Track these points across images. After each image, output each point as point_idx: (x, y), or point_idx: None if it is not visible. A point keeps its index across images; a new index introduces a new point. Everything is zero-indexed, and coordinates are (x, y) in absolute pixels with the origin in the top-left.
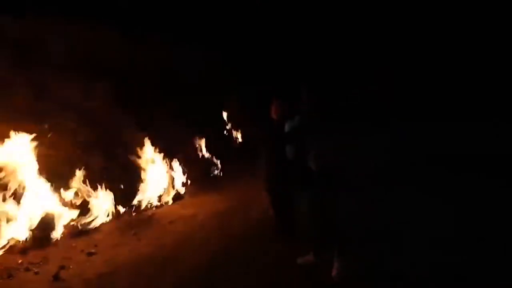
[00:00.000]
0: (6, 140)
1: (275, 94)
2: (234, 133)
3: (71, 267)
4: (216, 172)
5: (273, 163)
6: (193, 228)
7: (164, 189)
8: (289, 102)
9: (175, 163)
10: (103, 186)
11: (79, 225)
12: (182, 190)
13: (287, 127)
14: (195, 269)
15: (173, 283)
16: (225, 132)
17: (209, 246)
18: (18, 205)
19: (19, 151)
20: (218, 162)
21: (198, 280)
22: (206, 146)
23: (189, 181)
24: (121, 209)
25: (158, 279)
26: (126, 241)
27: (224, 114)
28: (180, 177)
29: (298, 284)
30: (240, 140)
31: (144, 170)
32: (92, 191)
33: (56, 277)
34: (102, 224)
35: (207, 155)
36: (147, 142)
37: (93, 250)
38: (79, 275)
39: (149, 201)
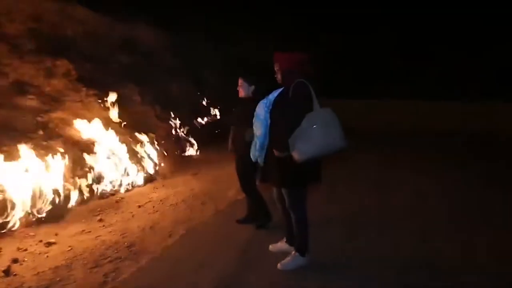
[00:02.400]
0: None
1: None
2: (212, 109)
3: (25, 259)
4: (191, 151)
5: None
6: (163, 213)
7: (134, 170)
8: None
9: (147, 142)
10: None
11: (36, 212)
12: (154, 171)
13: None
14: (159, 258)
15: (133, 273)
16: (202, 108)
17: (176, 232)
18: None
19: None
20: (194, 140)
21: (160, 270)
22: (181, 123)
23: (161, 161)
24: (87, 193)
25: (118, 270)
26: (90, 228)
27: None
28: (152, 157)
29: (268, 271)
30: (218, 117)
31: (112, 150)
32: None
33: (6, 272)
34: (65, 210)
35: (181, 133)
36: (115, 122)
37: (52, 240)
38: (33, 269)
39: (117, 183)
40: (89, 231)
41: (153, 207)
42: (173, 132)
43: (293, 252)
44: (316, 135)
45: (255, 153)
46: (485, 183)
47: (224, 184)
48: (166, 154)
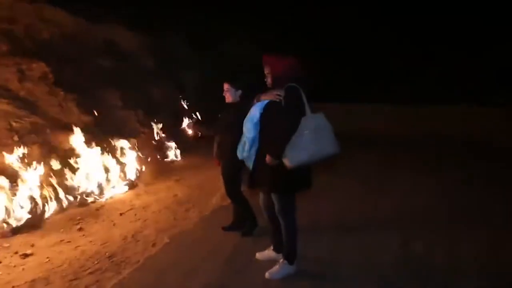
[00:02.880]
0: None
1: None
2: (194, 114)
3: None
4: (173, 156)
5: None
6: (145, 221)
7: (115, 176)
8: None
9: (128, 148)
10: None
11: (11, 221)
12: (135, 177)
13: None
14: (142, 269)
15: (115, 285)
16: (183, 112)
17: (160, 241)
18: None
19: None
20: (175, 145)
21: (144, 282)
22: (161, 128)
23: (143, 167)
24: (66, 201)
25: (99, 283)
26: (69, 238)
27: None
28: (133, 163)
29: (255, 281)
30: (200, 121)
31: (92, 156)
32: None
33: None
34: (42, 218)
35: (163, 137)
36: (95, 127)
37: (29, 251)
38: (8, 283)
39: (98, 190)
40: (68, 241)
41: (135, 214)
42: (155, 137)
43: (281, 260)
44: (307, 141)
45: (242, 153)
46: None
47: (208, 190)
48: (148, 159)
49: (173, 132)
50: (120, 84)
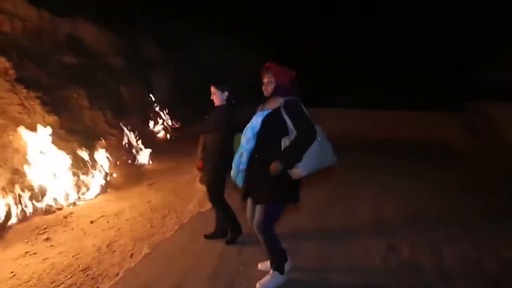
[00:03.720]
0: None
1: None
2: (164, 116)
3: None
4: (144, 159)
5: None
6: (120, 229)
7: (83, 181)
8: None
9: (96, 150)
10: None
11: None
12: (105, 182)
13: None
14: (121, 283)
15: None
16: (153, 115)
17: (138, 251)
18: None
19: None
20: (146, 148)
21: None
22: (131, 130)
23: (113, 171)
24: (30, 208)
25: None
26: (35, 249)
27: (153, 96)
28: (102, 167)
29: None
30: (171, 124)
31: (58, 160)
32: None
33: None
34: (4, 228)
35: (133, 140)
36: (61, 128)
37: None
38: None
39: (64, 196)
40: (35, 253)
41: (108, 222)
42: (125, 139)
43: (271, 271)
44: (314, 150)
45: (239, 165)
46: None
47: (183, 195)
48: (118, 163)
49: (143, 134)
50: (86, 83)
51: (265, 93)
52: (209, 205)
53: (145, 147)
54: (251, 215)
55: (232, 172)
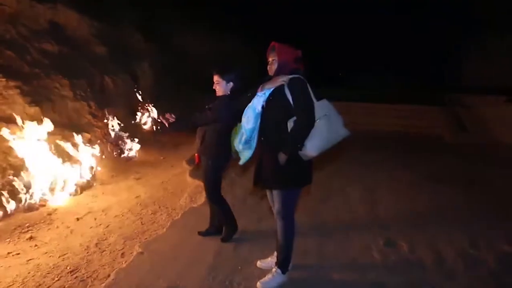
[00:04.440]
0: None
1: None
2: (149, 108)
3: None
4: (130, 152)
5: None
6: (108, 226)
7: (68, 176)
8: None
9: (81, 143)
10: None
11: None
12: (90, 176)
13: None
14: (114, 285)
15: None
16: (139, 106)
17: (129, 250)
18: None
19: None
20: (132, 141)
21: None
22: (117, 123)
23: (99, 166)
24: (10, 206)
25: None
26: (18, 249)
27: (137, 85)
28: (88, 160)
29: None
30: (156, 116)
31: (40, 153)
32: None
33: None
34: None
35: (119, 133)
36: (43, 119)
37: None
38: None
39: (48, 192)
40: (18, 253)
41: (95, 219)
42: (110, 131)
43: (274, 269)
44: (322, 128)
45: (238, 144)
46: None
47: (173, 189)
48: (103, 156)
49: (129, 126)
50: (69, 72)
51: (270, 73)
52: (201, 200)
53: (132, 140)
54: (271, 199)
55: (234, 151)
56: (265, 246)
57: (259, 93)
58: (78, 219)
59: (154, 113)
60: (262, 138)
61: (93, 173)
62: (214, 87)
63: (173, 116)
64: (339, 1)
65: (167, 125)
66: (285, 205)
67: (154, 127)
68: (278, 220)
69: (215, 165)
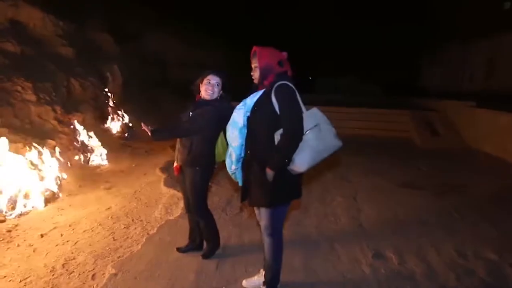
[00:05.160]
0: None
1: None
2: (119, 112)
3: None
4: (99, 159)
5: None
6: (77, 243)
7: (30, 187)
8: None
9: (45, 150)
10: None
11: None
12: (56, 187)
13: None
14: None
15: None
16: (108, 111)
17: (100, 271)
18: None
19: None
20: (101, 147)
21: None
22: (83, 127)
23: (64, 174)
24: None
25: None
26: None
27: (107, 90)
28: (52, 170)
29: None
30: (126, 121)
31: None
32: None
33: None
34: None
35: (86, 139)
36: (3, 125)
37: None
38: None
39: (8, 205)
40: None
41: (62, 235)
42: (77, 137)
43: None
44: (312, 140)
45: (231, 166)
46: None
47: (146, 200)
48: (69, 164)
49: (98, 131)
50: (32, 74)
51: (254, 80)
52: (177, 212)
53: (101, 146)
54: (259, 214)
55: (229, 169)
56: (249, 262)
57: (238, 106)
58: (42, 235)
59: (124, 117)
60: (249, 152)
61: (58, 183)
62: (209, 90)
63: (148, 127)
64: (310, 10)
65: (149, 133)
66: (272, 222)
67: (124, 132)
68: (265, 237)
69: (204, 176)
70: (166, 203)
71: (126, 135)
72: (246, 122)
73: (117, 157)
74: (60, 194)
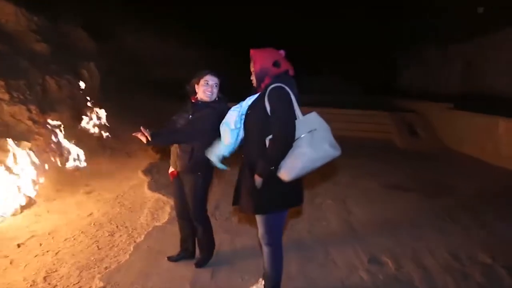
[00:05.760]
0: None
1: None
2: (97, 111)
3: None
4: (76, 162)
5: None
6: (58, 253)
7: (4, 192)
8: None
9: (19, 152)
10: None
11: None
12: (32, 192)
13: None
14: None
15: None
16: (85, 110)
17: (86, 284)
18: None
19: None
20: (79, 149)
21: None
22: (60, 127)
23: (41, 178)
24: None
25: None
26: None
27: (83, 88)
28: (28, 173)
29: None
30: (105, 121)
31: None
32: None
33: None
34: None
35: (63, 140)
36: None
37: None
38: None
39: None
40: None
41: (41, 245)
42: (53, 138)
43: None
44: (304, 147)
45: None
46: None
47: (130, 205)
48: (46, 167)
49: (75, 132)
50: (4, 72)
51: (254, 84)
52: (164, 217)
53: (78, 148)
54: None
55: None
56: (244, 270)
57: (233, 107)
58: (19, 245)
59: (102, 117)
60: (243, 156)
61: (35, 187)
62: (208, 92)
63: (147, 131)
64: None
65: (149, 138)
66: (269, 230)
67: (103, 132)
68: (263, 246)
69: (206, 181)
70: (151, 208)
71: (104, 135)
72: (240, 125)
73: (96, 158)
74: (37, 200)
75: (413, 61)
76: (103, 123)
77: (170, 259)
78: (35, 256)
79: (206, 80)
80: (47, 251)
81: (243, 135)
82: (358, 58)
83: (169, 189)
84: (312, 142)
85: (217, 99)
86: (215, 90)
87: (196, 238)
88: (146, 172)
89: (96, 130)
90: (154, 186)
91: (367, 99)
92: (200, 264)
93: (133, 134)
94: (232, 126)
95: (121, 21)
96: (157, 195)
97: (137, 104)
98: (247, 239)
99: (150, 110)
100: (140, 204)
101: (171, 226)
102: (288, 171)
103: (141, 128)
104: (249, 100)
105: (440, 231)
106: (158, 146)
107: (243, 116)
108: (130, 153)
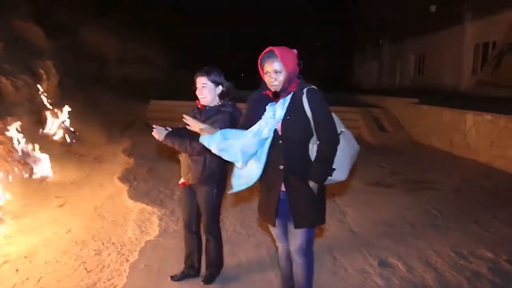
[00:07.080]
0: None
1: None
2: (58, 114)
3: None
4: (43, 171)
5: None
6: (38, 281)
7: None
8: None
9: None
10: None
11: None
12: None
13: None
14: None
15: None
16: (46, 113)
17: None
18: None
19: None
20: (44, 156)
21: None
22: (22, 135)
23: (6, 193)
24: None
25: None
26: None
27: (42, 89)
28: None
29: None
30: (67, 124)
31: None
32: None
33: None
34: None
35: (26, 147)
36: None
37: None
38: None
39: None
40: None
41: (17, 271)
42: (15, 146)
43: None
44: (343, 146)
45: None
46: None
47: (112, 217)
48: (10, 179)
49: (37, 137)
50: None
51: (270, 86)
52: (154, 230)
53: (43, 155)
54: (281, 237)
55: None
56: (255, 285)
57: (268, 115)
58: None
59: (65, 119)
60: (282, 167)
61: (0, 203)
62: (200, 95)
63: (167, 128)
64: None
65: (163, 136)
66: (309, 241)
67: (67, 136)
68: (297, 258)
69: (220, 193)
70: (137, 220)
71: (69, 140)
72: (271, 134)
73: (63, 166)
74: (4, 218)
75: (367, 58)
76: (65, 127)
77: (173, 278)
78: (13, 286)
79: (196, 83)
80: (27, 279)
81: (277, 146)
82: (314, 54)
83: (152, 197)
84: (348, 140)
85: (220, 102)
86: (206, 92)
87: (203, 253)
88: (123, 179)
89: (60, 135)
90: (135, 195)
91: (328, 96)
92: (208, 280)
93: (153, 126)
94: (266, 135)
95: (79, 15)
96: (140, 205)
97: (98, 104)
98: (248, 249)
99: (114, 110)
100: (123, 216)
101: (164, 240)
102: (343, 171)
103: (154, 126)
104: (284, 106)
105: (436, 228)
106: (169, 146)
107: (276, 126)
108: (99, 159)
